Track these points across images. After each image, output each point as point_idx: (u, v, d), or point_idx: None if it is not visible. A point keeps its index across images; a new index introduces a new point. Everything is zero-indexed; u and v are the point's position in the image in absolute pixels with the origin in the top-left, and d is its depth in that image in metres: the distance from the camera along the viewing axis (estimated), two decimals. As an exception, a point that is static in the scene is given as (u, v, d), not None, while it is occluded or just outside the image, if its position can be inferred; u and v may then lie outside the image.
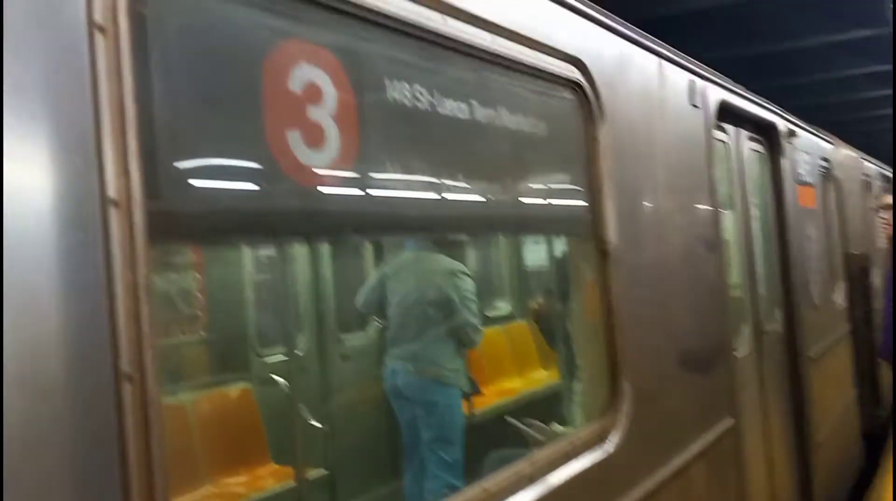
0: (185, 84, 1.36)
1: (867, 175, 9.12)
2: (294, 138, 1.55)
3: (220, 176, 1.46)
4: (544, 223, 3.06)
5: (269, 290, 5.11)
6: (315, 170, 1.61)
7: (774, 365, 5.06)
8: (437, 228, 2.70)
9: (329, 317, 5.62)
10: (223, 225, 1.47)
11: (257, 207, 1.52)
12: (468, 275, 4.84)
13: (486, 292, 7.68)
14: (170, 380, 4.35)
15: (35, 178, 1.04)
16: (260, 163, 1.51)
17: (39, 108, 1.06)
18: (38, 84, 1.06)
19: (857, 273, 7.31)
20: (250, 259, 5.08)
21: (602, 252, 2.75)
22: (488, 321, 7.34)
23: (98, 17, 1.15)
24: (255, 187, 1.53)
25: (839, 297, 6.73)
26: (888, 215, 9.02)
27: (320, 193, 1.66)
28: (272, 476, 4.65)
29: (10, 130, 1.00)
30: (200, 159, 1.41)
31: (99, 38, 1.15)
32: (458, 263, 4.92)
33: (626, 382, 2.72)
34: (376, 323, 5.66)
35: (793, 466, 5.13)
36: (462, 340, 4.75)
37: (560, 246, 4.37)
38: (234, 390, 4.87)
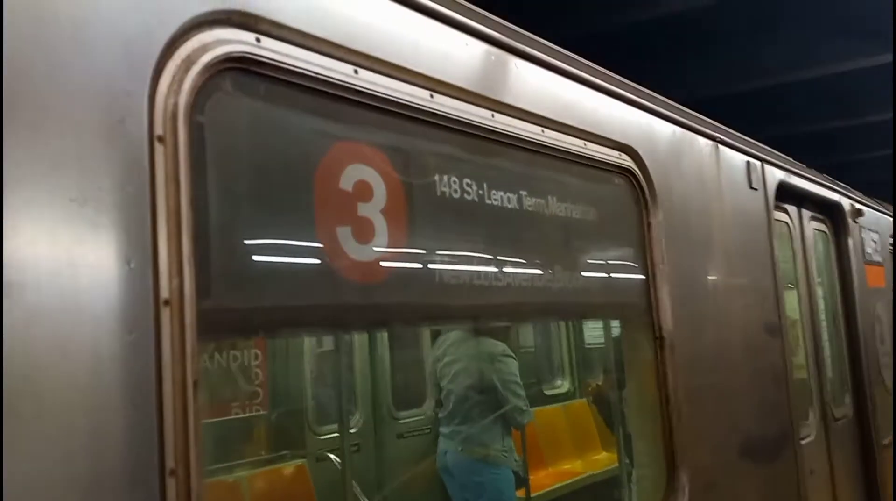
0: (240, 187, 1.44)
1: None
2: (344, 234, 1.61)
3: (269, 272, 1.52)
4: (599, 310, 3.04)
5: (329, 370, 5.18)
6: (364, 263, 1.65)
7: (845, 453, 4.83)
8: (491, 315, 2.72)
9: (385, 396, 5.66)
10: (272, 320, 1.53)
11: (306, 302, 1.57)
12: (511, 357, 4.86)
13: (546, 368, 7.61)
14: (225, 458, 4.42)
15: (93, 280, 1.11)
16: (310, 259, 1.57)
17: (101, 216, 1.13)
18: (102, 194, 1.14)
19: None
20: (310, 341, 5.16)
21: (657, 338, 2.72)
22: (547, 399, 7.26)
23: (159, 128, 1.23)
24: (305, 283, 1.59)
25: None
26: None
27: (368, 286, 1.71)
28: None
29: (69, 234, 1.08)
30: (250, 257, 1.48)
31: (159, 148, 1.23)
32: (502, 344, 4.92)
33: (684, 472, 2.65)
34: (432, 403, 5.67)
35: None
36: (510, 422, 4.76)
37: (618, 328, 4.32)
38: (289, 466, 4.89)
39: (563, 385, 7.72)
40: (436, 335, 5.89)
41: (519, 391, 4.74)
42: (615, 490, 4.26)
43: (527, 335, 7.29)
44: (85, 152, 1.14)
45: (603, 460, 6.70)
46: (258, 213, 1.47)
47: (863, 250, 5.28)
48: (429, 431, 5.78)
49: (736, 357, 3.27)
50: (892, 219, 6.55)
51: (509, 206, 2.18)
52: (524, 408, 4.76)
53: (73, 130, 1.12)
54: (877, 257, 5.63)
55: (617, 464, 4.47)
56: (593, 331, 7.19)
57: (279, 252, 1.53)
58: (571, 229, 2.47)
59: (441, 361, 5.01)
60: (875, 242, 5.65)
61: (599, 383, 6.74)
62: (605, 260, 2.81)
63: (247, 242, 1.45)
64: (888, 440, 5.15)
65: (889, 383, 5.43)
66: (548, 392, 7.43)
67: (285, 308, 1.52)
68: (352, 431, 5.18)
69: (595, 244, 2.68)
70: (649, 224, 2.75)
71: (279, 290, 1.50)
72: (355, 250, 1.63)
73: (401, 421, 5.78)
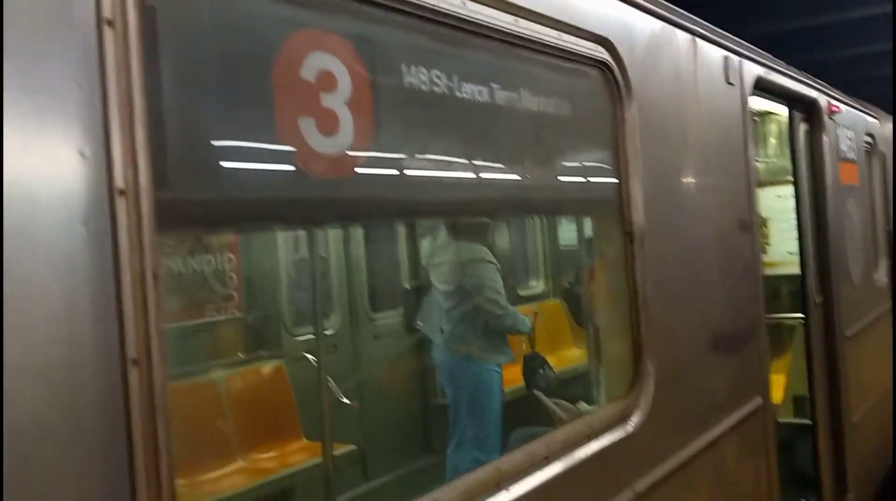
0: (195, 75, 1.38)
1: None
2: (307, 125, 1.56)
3: (230, 163, 1.48)
4: (570, 205, 3.05)
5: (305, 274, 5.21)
6: (327, 157, 1.62)
7: (821, 338, 5.04)
8: (461, 211, 2.71)
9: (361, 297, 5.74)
10: (235, 213, 1.50)
11: (269, 195, 1.54)
12: (491, 262, 5.01)
13: (521, 270, 7.69)
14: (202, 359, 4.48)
15: (44, 171, 1.07)
16: (270, 151, 1.53)
17: (48, 102, 1.09)
18: (48, 78, 1.09)
19: (901, 251, 7.12)
20: (284, 240, 5.16)
21: (628, 233, 2.73)
22: (521, 299, 7.38)
23: (107, 12, 1.17)
24: (266, 175, 1.56)
25: (881, 275, 6.58)
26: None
27: (333, 180, 1.68)
28: (303, 451, 4.76)
29: (15, 125, 1.03)
30: (210, 148, 1.44)
31: (108, 33, 1.17)
32: (482, 249, 5.06)
33: (650, 363, 2.72)
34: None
35: (827, 446, 5.08)
36: (488, 322, 4.91)
37: (590, 226, 4.35)
38: (268, 367, 4.98)
39: (537, 286, 7.84)
40: (411, 236, 5.93)
41: (493, 296, 4.88)
42: (586, 382, 4.38)
43: (502, 238, 7.32)
44: (30, 39, 1.08)
45: (575, 356, 6.87)
46: (216, 101, 1.42)
47: (838, 147, 5.30)
48: (405, 331, 5.90)
49: (708, 253, 3.31)
50: (867, 117, 6.55)
51: (480, 99, 2.14)
52: (498, 313, 4.89)
53: (16, 16, 1.06)
54: (851, 155, 5.66)
55: (588, 360, 4.58)
56: (567, 233, 7.26)
57: (239, 143, 1.49)
58: (544, 123, 2.44)
59: (430, 261, 5.30)
60: (850, 139, 5.67)
61: (572, 281, 6.84)
62: (578, 155, 2.80)
63: (205, 131, 1.41)
64: (852, 331, 5.32)
65: (856, 278, 5.56)
66: (522, 293, 7.55)
67: (247, 201, 1.50)
68: (328, 332, 5.25)
69: (568, 139, 2.66)
70: (623, 119, 2.72)
71: (240, 182, 1.47)
72: (319, 143, 1.59)
73: (377, 322, 5.88)
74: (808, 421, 5.22)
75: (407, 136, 1.97)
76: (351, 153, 1.70)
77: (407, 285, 6.15)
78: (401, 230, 5.93)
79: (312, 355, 4.90)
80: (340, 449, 4.68)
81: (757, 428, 3.56)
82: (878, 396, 6.02)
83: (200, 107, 1.40)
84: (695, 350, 3.14)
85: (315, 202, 1.66)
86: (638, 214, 2.73)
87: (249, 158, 1.52)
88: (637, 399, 2.65)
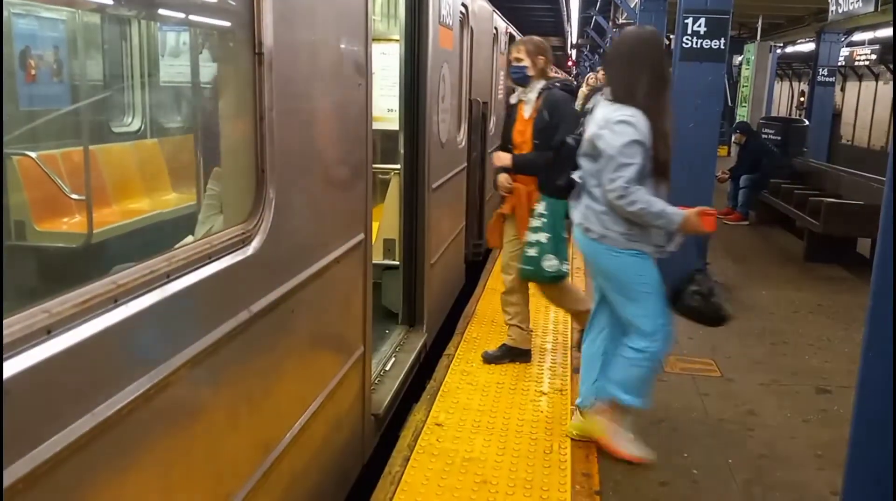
0: None
1: (496, 29, 9.91)
2: None
3: None
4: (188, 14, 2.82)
5: None
6: None
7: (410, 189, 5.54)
8: None
9: None
10: None
11: None
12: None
13: (116, 104, 7.02)
14: None
15: None
16: None
17: None
18: None
19: (478, 118, 8.04)
20: None
21: (257, 54, 2.63)
22: (116, 137, 6.80)
23: None
24: None
25: (462, 137, 7.37)
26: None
27: None
28: None
29: None
30: None
31: None
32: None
33: (272, 190, 2.72)
34: None
35: (409, 282, 5.71)
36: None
37: (213, 48, 4.10)
38: None
39: (132, 123, 7.24)
40: None
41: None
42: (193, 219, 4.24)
43: (94, 67, 6.53)
44: None
45: (173, 199, 6.59)
46: None
47: (440, 10, 5.67)
48: None
49: (328, 93, 3.36)
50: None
51: None
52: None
53: None
54: (449, 20, 6.11)
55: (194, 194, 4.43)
56: (177, 68, 6.75)
57: None
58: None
59: None
60: (450, 5, 6.10)
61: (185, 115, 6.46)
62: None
63: None
64: (436, 184, 5.94)
65: (443, 137, 6.15)
66: (116, 130, 6.94)
67: None
68: None
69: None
70: None
71: None
72: None
73: None
74: (395, 262, 5.79)
75: None
76: None
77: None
78: None
79: None
80: None
81: (358, 260, 3.84)
82: (450, 241, 6.88)
83: None
84: (313, 182, 3.22)
85: None
86: (268, 35, 2.64)
87: None
88: (258, 224, 2.66)
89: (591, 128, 3.87)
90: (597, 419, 4.19)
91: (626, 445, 4.16)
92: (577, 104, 5.77)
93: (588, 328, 4.34)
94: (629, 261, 3.87)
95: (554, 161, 4.41)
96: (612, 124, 3.72)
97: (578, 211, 4.02)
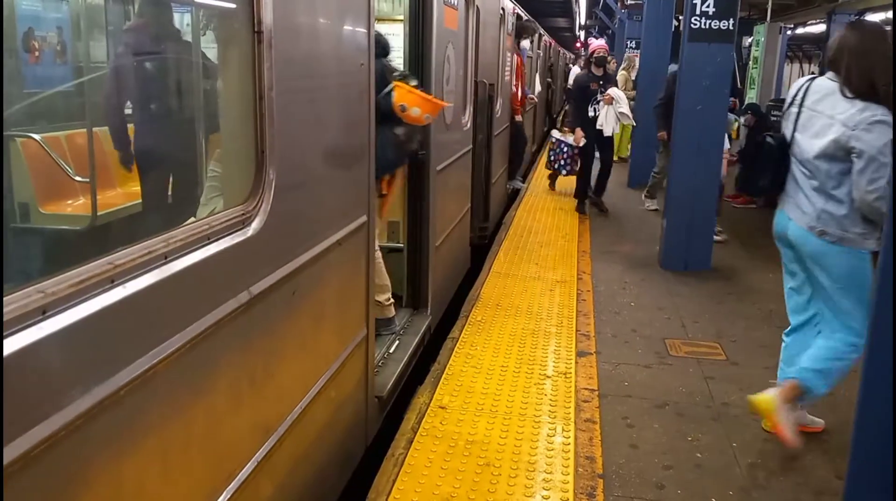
0: None
1: (503, 9, 9.81)
2: None
3: None
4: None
5: None
6: None
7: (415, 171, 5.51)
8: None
9: None
10: None
11: None
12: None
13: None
14: None
15: None
16: None
17: None
18: None
19: (484, 100, 7.98)
20: None
21: (256, 33, 2.60)
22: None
23: None
24: None
25: (467, 119, 7.32)
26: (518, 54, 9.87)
27: None
28: None
29: None
30: None
31: None
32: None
33: (272, 171, 2.70)
34: None
35: (413, 264, 5.69)
36: None
37: (213, 27, 4.05)
38: None
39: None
40: None
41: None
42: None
43: (98, 48, 6.48)
44: None
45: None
46: None
47: (444, -11, 5.61)
48: None
49: (330, 73, 3.32)
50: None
51: None
52: None
53: None
54: (454, 1, 6.05)
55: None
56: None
57: None
58: None
59: None
60: (455, -15, 6.04)
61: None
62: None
63: None
64: (441, 166, 5.90)
65: (448, 120, 6.10)
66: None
67: None
68: None
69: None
70: None
71: None
72: None
73: None
74: (400, 245, 5.78)
75: None
76: None
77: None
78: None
79: None
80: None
81: (361, 242, 3.82)
82: (455, 223, 6.85)
83: None
84: (314, 163, 3.19)
85: None
86: (268, 13, 2.61)
87: None
88: (258, 205, 2.64)
89: (835, 127, 3.77)
90: (774, 398, 4.10)
91: (792, 428, 4.07)
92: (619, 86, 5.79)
93: (802, 320, 4.32)
94: (865, 262, 3.85)
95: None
96: (866, 124, 3.66)
97: (807, 214, 3.96)
